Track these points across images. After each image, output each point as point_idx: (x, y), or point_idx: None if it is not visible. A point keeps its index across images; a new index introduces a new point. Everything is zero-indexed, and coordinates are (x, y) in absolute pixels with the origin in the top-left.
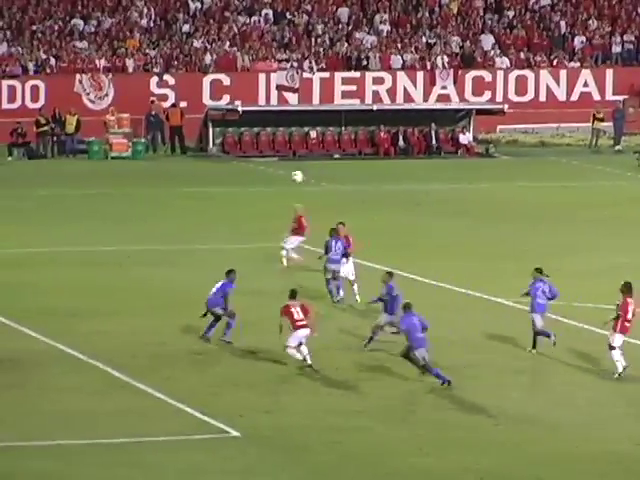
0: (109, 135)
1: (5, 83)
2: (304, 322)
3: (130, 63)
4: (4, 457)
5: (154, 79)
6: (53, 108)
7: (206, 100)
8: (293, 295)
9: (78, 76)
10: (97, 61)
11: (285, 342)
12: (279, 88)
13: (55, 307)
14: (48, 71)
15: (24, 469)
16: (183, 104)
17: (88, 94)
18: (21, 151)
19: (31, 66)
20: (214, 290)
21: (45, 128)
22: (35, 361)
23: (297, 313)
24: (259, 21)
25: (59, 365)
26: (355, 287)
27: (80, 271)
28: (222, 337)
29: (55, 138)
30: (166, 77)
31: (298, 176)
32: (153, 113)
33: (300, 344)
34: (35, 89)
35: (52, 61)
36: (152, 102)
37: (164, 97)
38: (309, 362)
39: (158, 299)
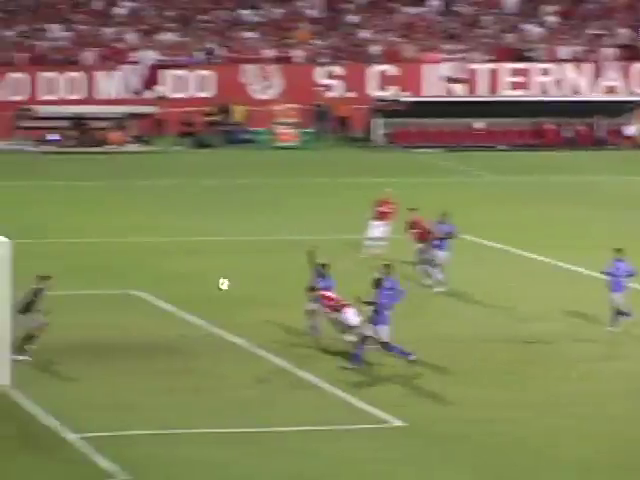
0: (276, 125)
1: (174, 73)
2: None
3: (297, 53)
4: (175, 443)
5: (321, 70)
6: (221, 98)
7: (372, 91)
8: None
9: (246, 66)
10: (265, 51)
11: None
12: (447, 79)
13: (224, 296)
14: (216, 61)
15: (195, 456)
16: (349, 94)
17: (256, 84)
18: (189, 141)
19: (199, 56)
20: None
21: (213, 118)
22: (203, 349)
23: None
24: (426, 12)
25: (227, 353)
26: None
27: (249, 260)
28: None
29: (223, 128)
30: (333, 68)
31: (224, 285)
32: (320, 103)
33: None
34: (203, 79)
35: (220, 51)
36: (318, 92)
37: (331, 87)
38: None
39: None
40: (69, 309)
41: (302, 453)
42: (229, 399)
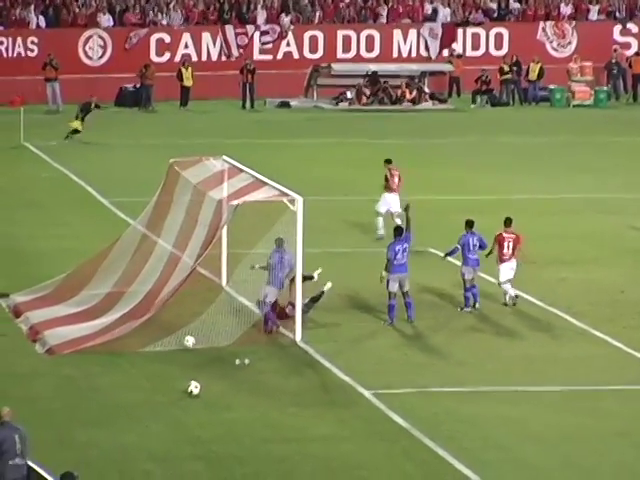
0: (572, 83)
1: (470, 31)
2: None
3: (594, 10)
4: (466, 401)
5: (617, 27)
6: (516, 56)
7: None
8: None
9: (542, 24)
10: (562, 8)
11: None
12: None
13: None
14: (511, 19)
15: (487, 412)
16: None
17: (551, 42)
18: (484, 98)
19: (492, 13)
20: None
21: (508, 76)
22: (495, 307)
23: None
24: None
25: (517, 311)
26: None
27: (536, 218)
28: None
29: (518, 86)
30: (629, 25)
31: (189, 342)
32: (615, 61)
33: None
34: (499, 36)
35: (515, 7)
36: (615, 50)
37: (627, 45)
38: None
39: (618, 247)
40: (360, 266)
41: (597, 412)
42: (525, 356)
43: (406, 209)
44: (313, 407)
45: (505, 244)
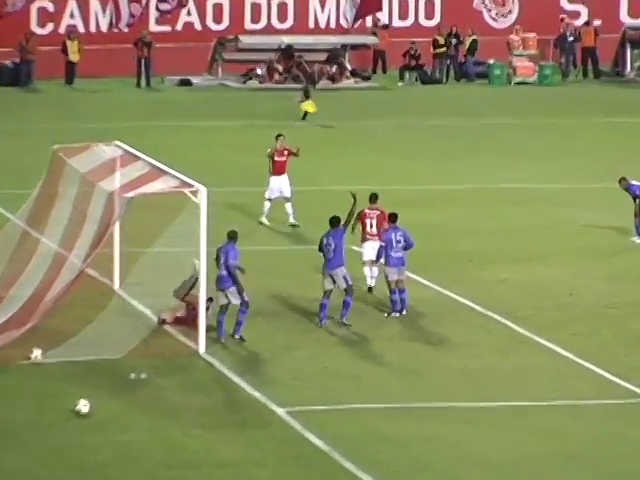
0: (513, 57)
1: None
2: None
3: None
4: (395, 418)
5: None
6: (450, 27)
7: (624, 18)
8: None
9: None
10: None
11: None
12: None
13: (451, 251)
14: None
15: (420, 432)
16: (597, 22)
17: (490, 11)
18: (414, 75)
19: None
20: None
21: (443, 49)
22: (427, 312)
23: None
24: None
25: (453, 316)
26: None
27: (475, 211)
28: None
29: (452, 61)
30: None
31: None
32: (570, 33)
33: None
34: (430, 5)
35: None
36: (562, 20)
37: (576, 14)
38: None
39: (566, 244)
40: (275, 266)
41: (542, 431)
42: (463, 369)
43: (353, 197)
44: (220, 428)
45: (368, 221)
